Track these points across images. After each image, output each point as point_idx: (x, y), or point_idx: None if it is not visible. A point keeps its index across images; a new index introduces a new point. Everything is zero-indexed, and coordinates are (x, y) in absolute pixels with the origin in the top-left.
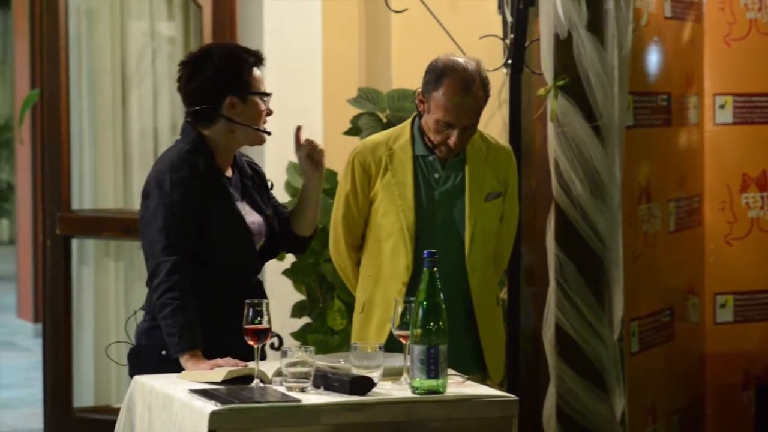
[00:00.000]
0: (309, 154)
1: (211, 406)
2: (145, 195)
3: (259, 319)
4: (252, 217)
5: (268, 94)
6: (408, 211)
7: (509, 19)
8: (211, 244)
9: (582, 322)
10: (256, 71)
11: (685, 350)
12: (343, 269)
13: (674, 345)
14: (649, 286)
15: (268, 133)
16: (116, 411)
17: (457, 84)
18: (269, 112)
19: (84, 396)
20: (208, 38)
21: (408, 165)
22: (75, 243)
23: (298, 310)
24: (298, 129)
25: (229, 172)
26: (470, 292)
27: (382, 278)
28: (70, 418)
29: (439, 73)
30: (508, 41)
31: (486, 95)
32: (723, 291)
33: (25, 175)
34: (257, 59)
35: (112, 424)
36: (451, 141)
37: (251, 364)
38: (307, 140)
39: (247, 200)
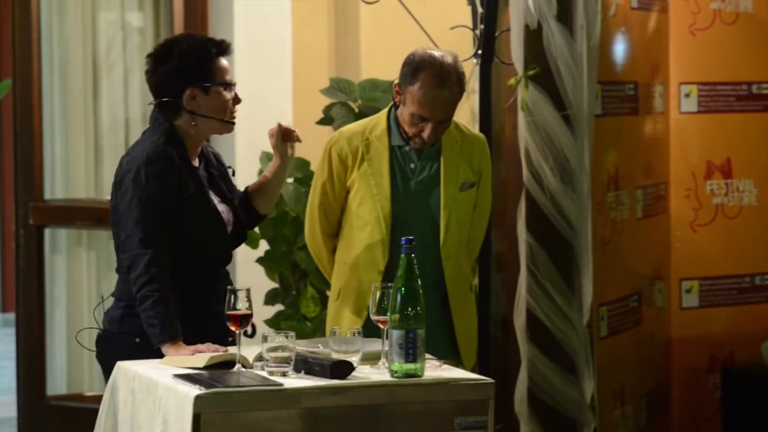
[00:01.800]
0: (288, 137)
1: (195, 390)
2: (119, 185)
3: (239, 304)
4: (221, 207)
5: (232, 84)
6: (384, 200)
7: (479, 9)
8: (187, 234)
9: (553, 307)
10: (222, 61)
11: (652, 335)
12: (319, 256)
13: (641, 330)
14: (617, 271)
15: (232, 123)
16: (88, 399)
17: (432, 79)
18: (237, 101)
19: (57, 384)
20: (179, 29)
21: (384, 155)
22: (47, 232)
23: (271, 298)
24: (279, 126)
25: (195, 162)
26: (444, 279)
27: (358, 266)
28: (44, 406)
29: (415, 67)
30: (478, 32)
31: (461, 90)
32: (688, 276)
33: None
34: (221, 49)
35: (85, 411)
36: (425, 134)
37: (232, 350)
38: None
39: (213, 190)
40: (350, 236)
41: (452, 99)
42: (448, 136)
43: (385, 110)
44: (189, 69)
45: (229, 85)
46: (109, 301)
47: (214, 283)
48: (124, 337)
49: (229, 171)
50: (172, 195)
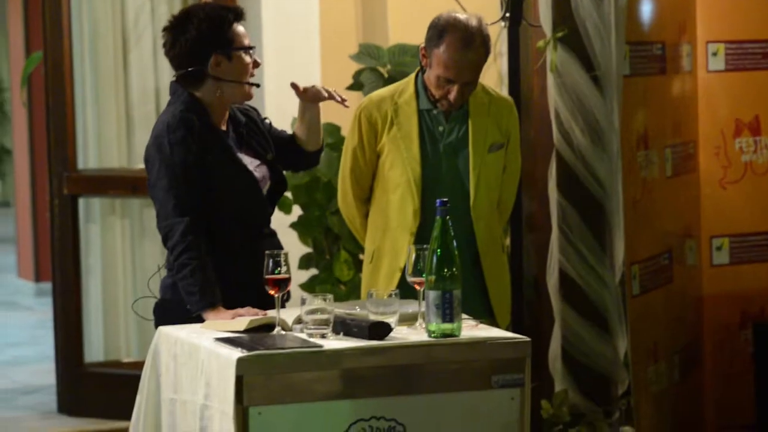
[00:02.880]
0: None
1: (237, 353)
2: (147, 160)
3: (278, 269)
4: (253, 165)
5: (252, 48)
6: (414, 163)
7: None
8: (219, 199)
9: (585, 266)
10: (238, 27)
11: (684, 292)
12: (352, 221)
13: (673, 287)
14: (648, 230)
15: (257, 86)
16: (126, 365)
17: (457, 41)
18: (256, 64)
19: (94, 351)
20: None
21: (413, 119)
22: (81, 202)
23: (305, 262)
24: (294, 86)
25: (223, 127)
26: (476, 240)
27: (391, 228)
28: (82, 372)
29: (440, 30)
30: None
31: (486, 52)
32: (719, 234)
33: (22, 138)
34: (237, 15)
35: (123, 377)
36: (451, 96)
37: (271, 313)
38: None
39: (245, 150)
40: (382, 200)
41: (477, 61)
42: (476, 98)
43: (413, 75)
44: (211, 36)
45: (250, 49)
46: (163, 271)
47: (257, 243)
48: (177, 304)
49: (266, 121)
50: (198, 160)
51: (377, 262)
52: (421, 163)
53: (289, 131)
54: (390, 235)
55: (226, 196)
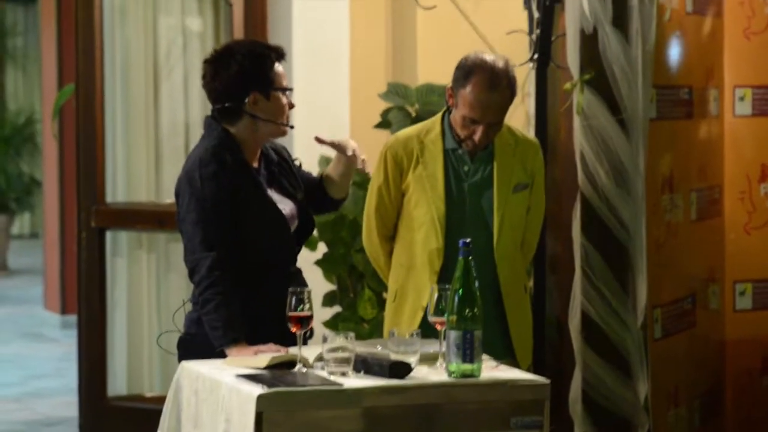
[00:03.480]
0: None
1: (258, 389)
2: (177, 194)
3: (301, 306)
4: (283, 204)
5: (290, 89)
6: (439, 202)
7: (535, 14)
8: (247, 235)
9: (607, 308)
10: (278, 67)
11: (706, 337)
12: (376, 259)
13: (696, 331)
14: (672, 274)
15: (291, 127)
16: (148, 400)
17: (484, 82)
18: (291, 106)
19: (117, 385)
20: (238, 34)
21: (438, 158)
22: (109, 235)
23: (329, 300)
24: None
25: (255, 164)
26: (498, 280)
27: (415, 267)
28: (105, 406)
29: (467, 71)
30: (534, 36)
31: (512, 94)
32: (742, 279)
33: (52, 169)
34: (278, 55)
35: (145, 411)
36: (476, 137)
37: (293, 350)
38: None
39: (275, 187)
40: (406, 238)
41: (503, 102)
42: (501, 139)
43: (440, 114)
44: (253, 74)
45: (287, 90)
46: (188, 306)
47: (282, 280)
48: (202, 338)
49: (296, 162)
50: (229, 196)
51: (400, 301)
52: (445, 202)
53: (317, 170)
54: (414, 273)
55: (254, 232)
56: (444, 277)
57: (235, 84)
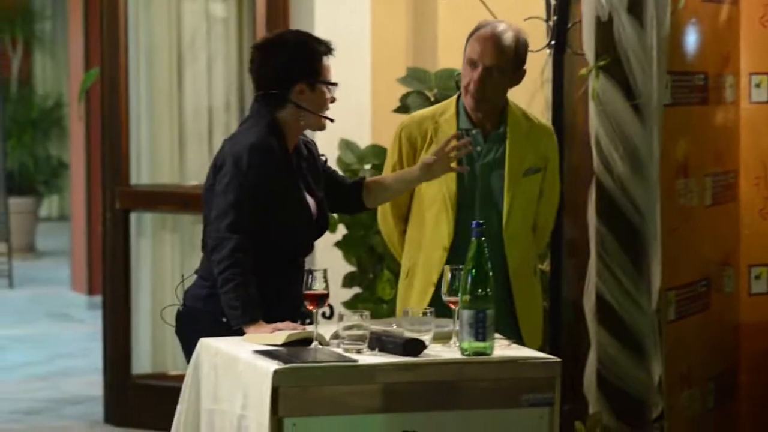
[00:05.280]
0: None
1: (274, 365)
2: (218, 168)
3: (317, 285)
4: (308, 199)
5: (335, 84)
6: (450, 181)
7: (552, 1)
8: (275, 223)
9: (621, 291)
10: (325, 60)
11: (720, 319)
12: (390, 238)
13: (710, 314)
14: (686, 257)
15: (332, 120)
16: (172, 378)
17: (488, 28)
18: (333, 100)
19: (141, 364)
20: (261, 19)
21: None
22: (133, 217)
23: (348, 281)
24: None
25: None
26: (507, 261)
27: (425, 244)
28: (129, 384)
29: (477, 27)
30: (551, 23)
31: (516, 50)
32: (757, 263)
33: (79, 152)
34: (327, 49)
35: (169, 389)
36: (473, 78)
37: (309, 328)
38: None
39: (302, 182)
40: (418, 216)
41: (503, 49)
42: (514, 122)
43: (455, 97)
44: (301, 65)
45: (333, 84)
46: (190, 279)
47: (293, 273)
48: (209, 316)
49: (322, 158)
50: (268, 186)
51: (412, 278)
52: (456, 181)
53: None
54: (424, 250)
55: (283, 221)
56: (453, 255)
57: (284, 72)
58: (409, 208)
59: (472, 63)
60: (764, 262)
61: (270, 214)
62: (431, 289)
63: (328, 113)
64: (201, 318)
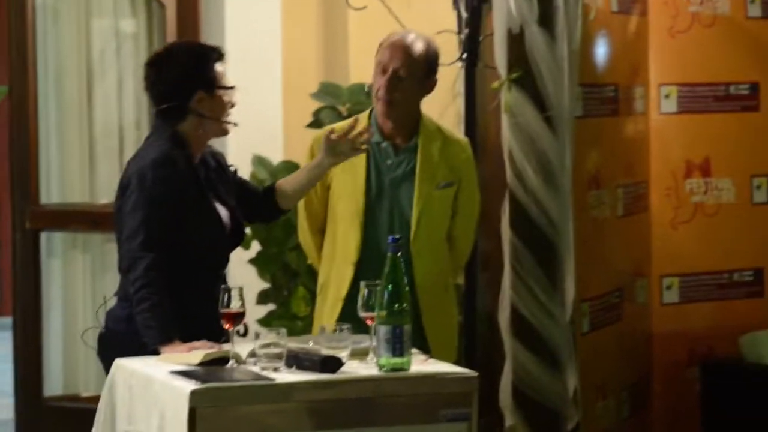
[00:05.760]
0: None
1: (191, 385)
2: (124, 188)
3: (233, 303)
4: (219, 209)
5: (232, 88)
6: (358, 195)
7: (464, 14)
8: (187, 236)
9: (536, 303)
10: (219, 66)
11: (633, 330)
12: (309, 252)
13: (623, 325)
14: (599, 268)
15: (235, 125)
16: (85, 399)
17: (398, 36)
18: (233, 105)
19: (53, 385)
20: (171, 35)
21: (363, 153)
22: (43, 236)
23: (263, 298)
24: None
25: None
26: (414, 275)
27: (336, 259)
28: (41, 406)
29: (388, 36)
30: (462, 36)
31: (427, 56)
32: (669, 273)
33: None
34: (219, 54)
35: (81, 411)
36: (382, 82)
37: (226, 347)
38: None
39: (212, 193)
40: (331, 230)
41: (412, 53)
42: (428, 135)
43: (368, 110)
44: (197, 72)
45: (230, 88)
46: (113, 300)
47: (211, 286)
48: (131, 337)
49: (231, 169)
50: (176, 199)
51: (325, 293)
52: (365, 195)
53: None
54: (335, 265)
55: (194, 234)
56: (360, 270)
57: (181, 83)
58: (326, 221)
59: (382, 68)
60: (675, 273)
61: (182, 227)
62: (341, 304)
63: (230, 118)
64: (123, 339)
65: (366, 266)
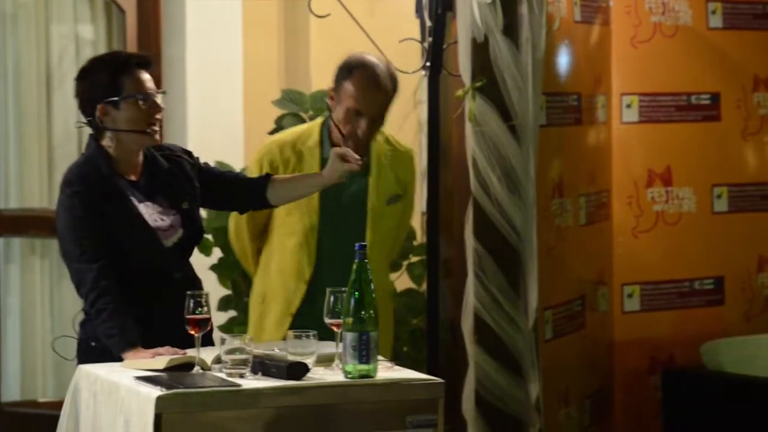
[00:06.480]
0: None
1: (156, 391)
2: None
3: (199, 309)
4: (160, 215)
5: (146, 94)
6: (312, 212)
7: (427, 22)
8: (119, 246)
9: (499, 311)
10: (137, 74)
11: (595, 338)
12: (244, 253)
13: (585, 333)
14: (562, 276)
15: (149, 133)
16: (42, 405)
17: (367, 75)
18: (157, 110)
19: (10, 391)
20: (131, 41)
21: (315, 167)
22: (1, 242)
23: (223, 304)
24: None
25: (134, 176)
26: None
27: (284, 273)
28: None
29: (350, 66)
30: (426, 44)
31: (395, 90)
32: (630, 281)
33: None
34: (141, 62)
35: (39, 417)
36: (360, 130)
37: (191, 352)
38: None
39: (159, 198)
40: (277, 243)
41: (386, 96)
42: (379, 151)
43: (319, 121)
44: (97, 87)
45: (142, 96)
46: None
47: (166, 288)
48: (84, 342)
49: (201, 163)
50: (97, 211)
51: (267, 306)
52: (319, 213)
53: None
54: (283, 280)
55: (123, 244)
56: (312, 287)
57: (85, 99)
58: (266, 229)
59: (356, 113)
60: (636, 281)
61: (111, 236)
62: (289, 320)
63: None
64: (100, 348)
65: (317, 284)
